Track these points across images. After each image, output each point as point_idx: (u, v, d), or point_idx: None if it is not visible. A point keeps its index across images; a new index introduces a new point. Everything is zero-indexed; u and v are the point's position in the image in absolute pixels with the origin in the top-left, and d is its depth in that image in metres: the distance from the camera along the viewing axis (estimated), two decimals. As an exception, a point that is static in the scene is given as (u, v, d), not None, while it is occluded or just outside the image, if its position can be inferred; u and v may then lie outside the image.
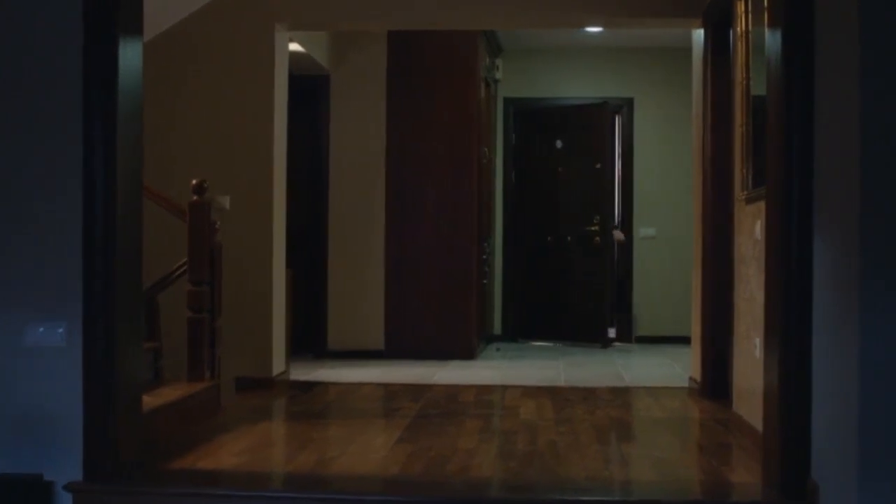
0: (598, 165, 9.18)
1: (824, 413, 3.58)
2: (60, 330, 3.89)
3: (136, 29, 4.17)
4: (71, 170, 3.90)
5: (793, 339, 3.76)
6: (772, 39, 3.98)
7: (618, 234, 9.05)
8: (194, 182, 5.41)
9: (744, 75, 5.18)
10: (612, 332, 9.40)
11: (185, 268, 5.49)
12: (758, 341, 4.79)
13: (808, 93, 3.75)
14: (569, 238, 9.48)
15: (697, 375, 6.41)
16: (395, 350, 8.30)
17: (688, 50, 7.03)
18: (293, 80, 7.47)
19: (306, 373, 7.31)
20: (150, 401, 4.91)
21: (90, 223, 3.89)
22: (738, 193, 5.32)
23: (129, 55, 4.10)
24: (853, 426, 3.21)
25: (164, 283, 5.64)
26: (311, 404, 6.13)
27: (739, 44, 5.26)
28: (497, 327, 9.82)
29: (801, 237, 3.75)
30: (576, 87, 9.82)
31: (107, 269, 3.91)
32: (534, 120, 9.90)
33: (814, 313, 3.68)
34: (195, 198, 5.40)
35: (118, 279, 3.94)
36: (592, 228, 9.17)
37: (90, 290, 3.89)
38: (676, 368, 7.72)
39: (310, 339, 8.39)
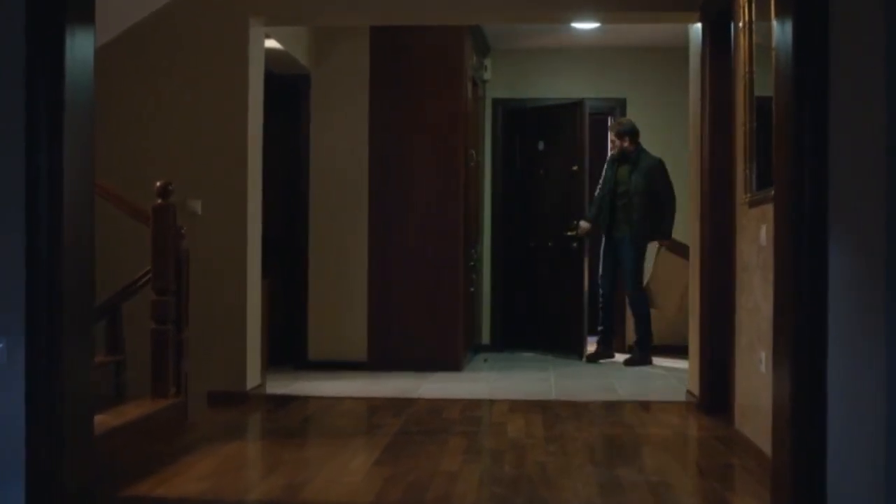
0: (575, 168, 8.80)
1: (843, 435, 3.27)
2: (0, 346, 3.53)
3: (86, 17, 3.81)
4: (12, 171, 3.54)
5: (806, 355, 3.46)
6: (780, 31, 3.68)
7: (584, 225, 8.60)
8: (158, 184, 5.06)
9: (746, 70, 4.85)
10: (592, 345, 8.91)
11: (150, 276, 5.13)
12: (763, 355, 4.47)
13: (821, 89, 3.45)
14: (550, 244, 9.12)
15: (695, 389, 6.08)
16: (378, 361, 7.95)
17: (682, 49, 6.73)
18: (272, 78, 7.14)
19: (284, 386, 6.95)
20: (107, 420, 4.58)
21: (33, 229, 3.54)
22: (741, 196, 4.99)
23: (79, 45, 3.73)
24: (878, 450, 2.91)
25: (129, 291, 5.29)
26: (286, 421, 5.78)
27: (742, 37, 4.93)
28: (485, 337, 9.47)
29: (814, 244, 3.44)
30: (567, 87, 9.48)
31: (52, 279, 3.55)
32: (521, 121, 9.56)
33: (829, 325, 3.37)
34: (159, 201, 5.05)
35: (65, 290, 3.58)
36: (570, 233, 8.78)
37: (34, 303, 3.54)
38: (672, 380, 7.38)
39: (290, 349, 8.04)
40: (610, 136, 8.72)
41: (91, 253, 3.80)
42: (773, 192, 4.15)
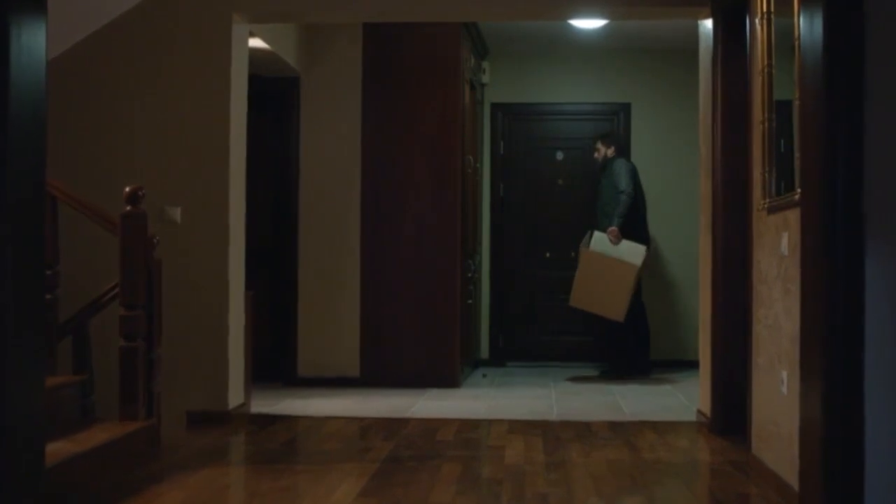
0: None
1: (883, 464, 2.92)
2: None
3: (36, 6, 3.42)
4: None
5: (839, 375, 3.10)
6: (807, 24, 3.32)
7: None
8: (127, 189, 4.68)
9: (765, 65, 4.47)
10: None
11: (118, 289, 4.76)
12: (785, 375, 4.09)
13: (856, 86, 3.10)
14: (573, 254, 8.81)
15: (707, 409, 5.69)
16: (371, 377, 7.56)
17: (688, 50, 6.38)
18: (260, 81, 6.79)
19: (270, 404, 6.57)
20: (70, 446, 4.20)
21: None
22: (759, 202, 4.60)
23: (28, 37, 3.34)
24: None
25: (96, 306, 4.91)
26: (268, 443, 5.38)
27: (760, 30, 4.55)
28: (484, 351, 9.09)
29: (849, 253, 3.07)
30: (568, 91, 9.13)
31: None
32: (527, 127, 9.21)
33: (866, 341, 3.01)
34: (128, 208, 4.67)
35: (11, 306, 3.20)
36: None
37: (-27, 320, 3.16)
38: (680, 397, 6.99)
39: (279, 365, 7.66)
40: (598, 144, 8.38)
41: (41, 265, 3.41)
42: (796, 197, 3.79)
